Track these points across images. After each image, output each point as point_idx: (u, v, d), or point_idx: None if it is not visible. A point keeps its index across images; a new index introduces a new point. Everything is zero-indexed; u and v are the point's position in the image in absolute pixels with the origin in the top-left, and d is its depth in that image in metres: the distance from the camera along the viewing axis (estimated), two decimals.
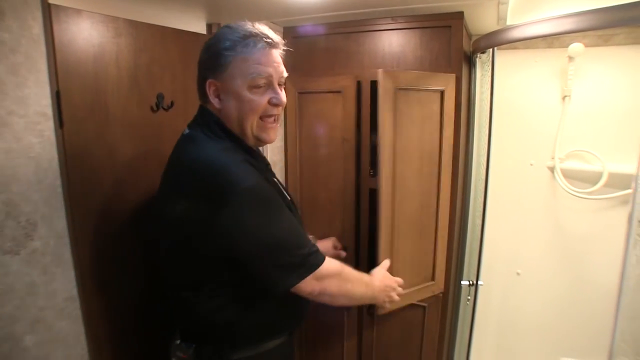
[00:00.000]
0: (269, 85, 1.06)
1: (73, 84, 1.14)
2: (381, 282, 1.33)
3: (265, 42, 1.03)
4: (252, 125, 1.07)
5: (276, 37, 1.06)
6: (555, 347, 2.01)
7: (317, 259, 1.05)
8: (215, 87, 1.06)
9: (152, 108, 1.41)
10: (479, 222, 1.62)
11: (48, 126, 1.08)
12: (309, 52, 1.75)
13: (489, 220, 1.65)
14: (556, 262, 1.96)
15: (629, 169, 1.68)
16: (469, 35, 1.74)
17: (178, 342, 1.13)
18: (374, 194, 1.82)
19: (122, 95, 1.30)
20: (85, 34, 1.16)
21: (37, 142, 1.06)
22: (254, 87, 1.04)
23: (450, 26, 1.51)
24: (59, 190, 1.14)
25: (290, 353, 1.26)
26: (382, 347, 1.82)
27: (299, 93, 1.77)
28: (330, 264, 1.09)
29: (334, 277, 1.10)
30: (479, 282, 1.60)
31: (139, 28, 1.33)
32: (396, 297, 1.36)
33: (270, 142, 1.14)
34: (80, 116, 1.17)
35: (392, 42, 1.60)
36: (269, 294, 1.08)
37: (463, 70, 1.56)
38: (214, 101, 1.06)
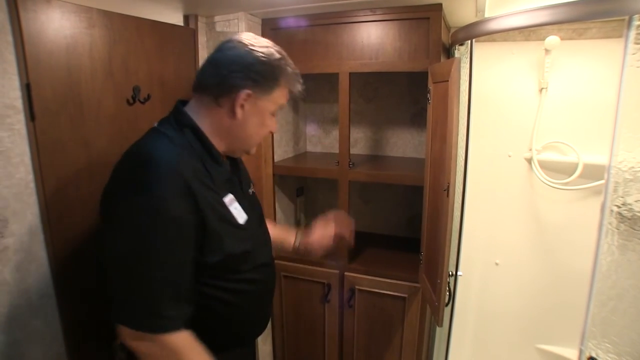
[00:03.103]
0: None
1: (44, 76, 1.11)
2: None
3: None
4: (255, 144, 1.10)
5: None
6: (531, 334, 2.06)
7: (160, 324, 0.89)
8: (249, 100, 1.00)
9: (128, 101, 1.38)
10: (458, 213, 1.63)
11: (18, 119, 1.05)
12: (287, 44, 1.73)
13: (468, 212, 1.67)
14: (533, 252, 2.00)
15: (603, 160, 1.71)
16: (448, 27, 1.75)
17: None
18: (354, 185, 1.82)
19: (97, 87, 1.27)
20: (56, 24, 1.13)
21: (6, 136, 1.02)
22: (272, 115, 1.07)
23: (428, 18, 1.51)
24: (32, 185, 1.11)
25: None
26: (362, 338, 1.84)
27: None
28: (174, 338, 0.91)
29: (167, 351, 0.91)
30: (459, 273, 1.62)
31: (113, 19, 1.30)
32: None
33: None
34: (52, 109, 1.14)
35: (371, 34, 1.60)
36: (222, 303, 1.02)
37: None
38: (238, 111, 1.00)
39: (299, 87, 1.08)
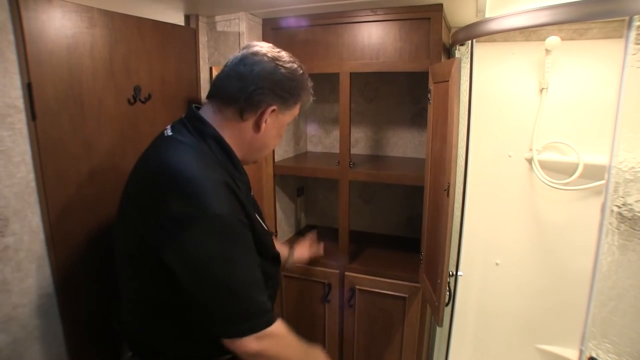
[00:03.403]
0: None
1: (45, 76, 1.11)
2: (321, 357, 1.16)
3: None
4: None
5: None
6: (531, 334, 2.06)
7: (266, 319, 0.93)
8: (272, 115, 1.02)
9: (129, 100, 1.38)
10: (459, 213, 1.63)
11: (19, 119, 1.05)
12: (288, 44, 1.74)
13: (468, 212, 1.67)
14: (534, 252, 1.99)
15: (603, 160, 1.72)
16: (448, 28, 1.75)
17: (130, 354, 1.06)
18: (354, 185, 1.82)
19: (98, 87, 1.27)
20: (57, 24, 1.13)
21: (7, 135, 1.03)
22: (287, 125, 1.12)
23: (429, 18, 1.51)
24: (33, 185, 1.11)
25: None
26: (362, 337, 1.84)
27: None
28: (278, 326, 0.96)
29: (278, 340, 0.96)
30: (459, 273, 1.62)
31: (114, 18, 1.30)
32: None
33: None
34: (54, 109, 1.14)
35: (372, 34, 1.60)
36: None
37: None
38: (262, 126, 1.01)
39: (311, 100, 1.11)
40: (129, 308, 1.05)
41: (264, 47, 1.01)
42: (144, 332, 1.04)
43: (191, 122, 1.00)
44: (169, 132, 1.00)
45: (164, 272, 0.89)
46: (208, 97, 1.04)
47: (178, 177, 0.88)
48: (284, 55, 1.02)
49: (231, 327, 0.90)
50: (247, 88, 0.96)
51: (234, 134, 1.01)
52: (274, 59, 0.99)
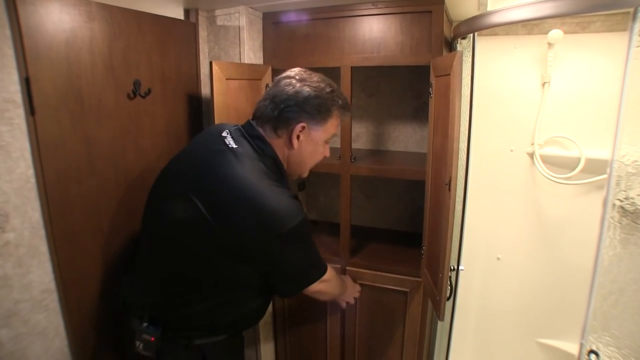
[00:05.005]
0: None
1: (44, 70, 1.10)
2: (351, 286, 1.68)
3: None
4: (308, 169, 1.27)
5: None
6: (532, 328, 2.06)
7: (323, 270, 1.28)
8: (303, 132, 1.15)
9: (128, 95, 1.38)
10: (460, 207, 1.63)
11: (18, 114, 1.05)
12: (288, 38, 1.73)
13: (470, 206, 1.66)
14: (535, 246, 1.99)
15: (605, 154, 1.71)
16: (450, 21, 1.74)
17: (145, 324, 1.17)
18: (355, 180, 1.81)
19: (97, 82, 1.27)
20: (55, 18, 1.12)
21: (6, 131, 1.02)
22: (326, 143, 1.24)
23: (431, 11, 1.50)
24: (32, 180, 1.11)
25: (239, 340, 1.42)
26: (364, 332, 1.84)
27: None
28: (330, 272, 1.31)
29: (330, 280, 1.32)
30: (460, 268, 1.62)
31: (113, 12, 1.30)
32: (352, 300, 1.70)
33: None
34: (52, 103, 1.14)
35: (373, 27, 1.59)
36: (253, 300, 1.25)
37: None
38: (294, 142, 1.15)
39: (348, 115, 1.25)
40: (158, 286, 1.17)
41: (294, 71, 1.18)
42: (173, 306, 1.17)
43: (253, 138, 1.15)
44: (232, 144, 1.12)
45: (237, 265, 1.09)
46: (253, 117, 1.20)
47: (263, 201, 1.03)
48: (313, 76, 1.17)
49: (307, 282, 1.24)
50: (278, 107, 1.12)
51: (276, 151, 1.16)
52: (302, 80, 1.14)
